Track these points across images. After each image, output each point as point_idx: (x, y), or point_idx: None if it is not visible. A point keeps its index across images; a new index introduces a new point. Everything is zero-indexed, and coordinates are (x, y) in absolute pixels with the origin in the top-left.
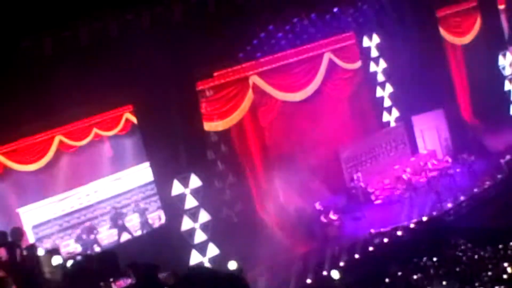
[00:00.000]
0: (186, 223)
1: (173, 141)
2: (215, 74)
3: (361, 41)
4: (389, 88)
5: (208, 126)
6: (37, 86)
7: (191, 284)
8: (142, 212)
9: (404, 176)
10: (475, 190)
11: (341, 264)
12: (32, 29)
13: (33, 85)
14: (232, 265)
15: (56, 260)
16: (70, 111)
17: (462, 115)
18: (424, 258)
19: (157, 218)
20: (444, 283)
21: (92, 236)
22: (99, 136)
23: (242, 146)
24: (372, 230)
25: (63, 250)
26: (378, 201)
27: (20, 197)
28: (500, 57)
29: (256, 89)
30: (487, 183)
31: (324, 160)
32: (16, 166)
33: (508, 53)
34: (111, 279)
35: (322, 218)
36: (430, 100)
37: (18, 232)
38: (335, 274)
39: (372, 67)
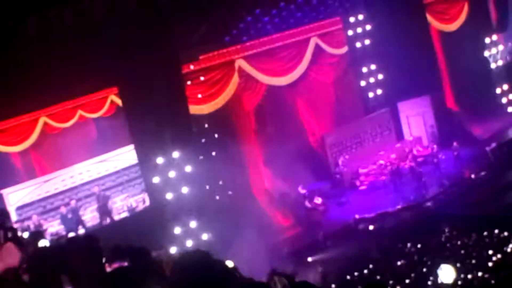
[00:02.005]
0: (171, 206)
1: (158, 124)
2: (201, 57)
3: (347, 27)
4: (375, 74)
5: (193, 109)
6: (22, 67)
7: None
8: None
9: (389, 162)
10: (461, 177)
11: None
12: (16, 10)
13: (17, 66)
14: (229, 263)
15: (42, 243)
16: (55, 93)
17: (448, 102)
18: (408, 245)
19: (141, 201)
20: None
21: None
22: (84, 118)
23: (227, 130)
24: (357, 216)
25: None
26: (363, 187)
27: (4, 178)
28: (487, 44)
29: (242, 73)
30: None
31: (309, 145)
32: (0, 148)
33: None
34: (106, 262)
35: (307, 203)
36: (416, 87)
37: (3, 214)
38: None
39: (359, 52)
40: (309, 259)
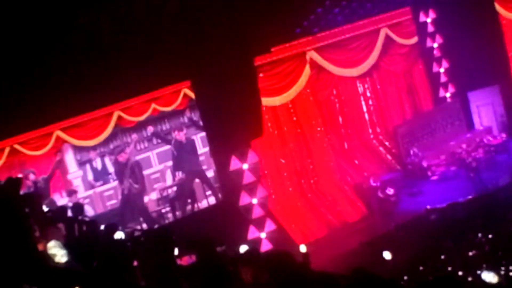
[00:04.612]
0: (244, 199)
1: (230, 116)
2: (273, 49)
3: (417, 17)
4: (445, 64)
5: (266, 101)
6: (97, 63)
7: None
8: None
9: (460, 152)
10: None
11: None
12: (88, 6)
13: (92, 61)
14: (302, 248)
15: (118, 236)
16: (129, 87)
17: None
18: (479, 235)
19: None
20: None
21: None
22: (157, 111)
23: (300, 121)
24: (428, 206)
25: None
26: (435, 177)
27: None
28: None
29: (313, 64)
30: None
31: (380, 136)
32: (76, 141)
33: None
34: (176, 256)
35: (379, 194)
36: (486, 76)
37: (79, 208)
38: (387, 255)
39: (428, 42)
40: None
